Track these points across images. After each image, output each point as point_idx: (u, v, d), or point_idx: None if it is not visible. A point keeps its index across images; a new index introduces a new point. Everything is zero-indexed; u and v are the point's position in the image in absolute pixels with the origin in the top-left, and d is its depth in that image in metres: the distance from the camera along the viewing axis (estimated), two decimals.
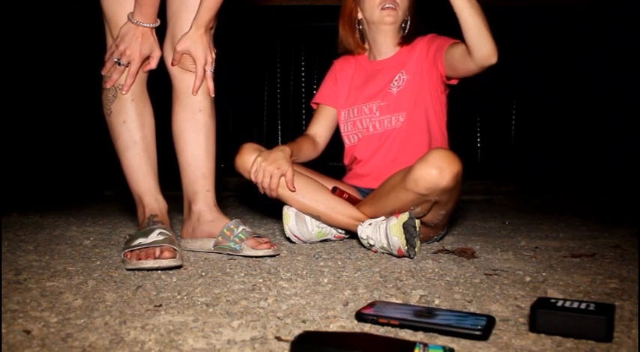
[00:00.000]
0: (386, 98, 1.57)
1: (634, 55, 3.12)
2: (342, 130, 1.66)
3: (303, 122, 3.50)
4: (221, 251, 1.33)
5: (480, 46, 1.34)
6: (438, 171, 1.27)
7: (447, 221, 1.48)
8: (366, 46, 1.66)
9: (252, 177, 1.44)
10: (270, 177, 1.41)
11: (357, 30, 1.64)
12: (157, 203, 1.32)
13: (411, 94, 1.54)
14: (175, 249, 1.16)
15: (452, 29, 1.38)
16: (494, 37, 1.34)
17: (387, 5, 1.52)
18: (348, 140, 1.65)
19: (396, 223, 1.29)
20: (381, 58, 1.62)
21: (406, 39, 1.59)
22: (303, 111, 3.50)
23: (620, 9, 3.09)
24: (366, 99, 1.61)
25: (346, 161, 1.69)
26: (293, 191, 1.44)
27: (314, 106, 1.73)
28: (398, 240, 1.27)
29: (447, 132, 1.60)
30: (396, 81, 1.56)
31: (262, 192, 1.45)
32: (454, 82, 1.53)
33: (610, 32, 3.21)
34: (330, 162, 1.74)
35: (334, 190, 1.48)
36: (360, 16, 1.61)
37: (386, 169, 1.53)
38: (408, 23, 1.58)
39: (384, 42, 1.59)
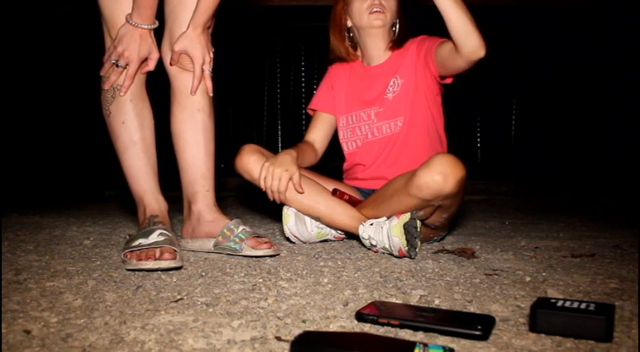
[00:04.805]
0: (383, 104, 1.57)
1: (634, 55, 3.12)
2: (340, 137, 1.66)
3: (303, 122, 3.50)
4: (221, 251, 1.33)
5: (466, 42, 1.33)
6: (441, 177, 1.27)
7: (448, 223, 1.48)
8: (359, 52, 1.66)
9: (262, 183, 1.43)
10: (280, 180, 1.40)
11: (347, 37, 1.64)
12: (158, 203, 1.31)
13: (407, 98, 1.54)
14: (175, 250, 1.16)
15: (440, 28, 1.38)
16: (480, 31, 1.33)
17: (375, 9, 1.52)
18: (346, 147, 1.65)
19: (397, 224, 1.28)
20: (374, 63, 1.62)
21: (397, 42, 1.59)
22: (303, 112, 3.50)
23: (620, 8, 3.09)
24: (363, 106, 1.61)
25: (346, 166, 1.69)
26: (301, 193, 1.43)
27: (310, 112, 1.73)
28: (398, 241, 1.27)
29: (445, 133, 1.60)
30: (391, 86, 1.56)
31: (271, 199, 1.44)
32: (448, 80, 1.53)
33: (610, 32, 3.21)
34: (329, 163, 1.74)
35: (334, 192, 1.48)
36: (349, 23, 1.61)
37: (387, 172, 1.54)
38: (397, 26, 1.58)
39: (375, 47, 1.59)
